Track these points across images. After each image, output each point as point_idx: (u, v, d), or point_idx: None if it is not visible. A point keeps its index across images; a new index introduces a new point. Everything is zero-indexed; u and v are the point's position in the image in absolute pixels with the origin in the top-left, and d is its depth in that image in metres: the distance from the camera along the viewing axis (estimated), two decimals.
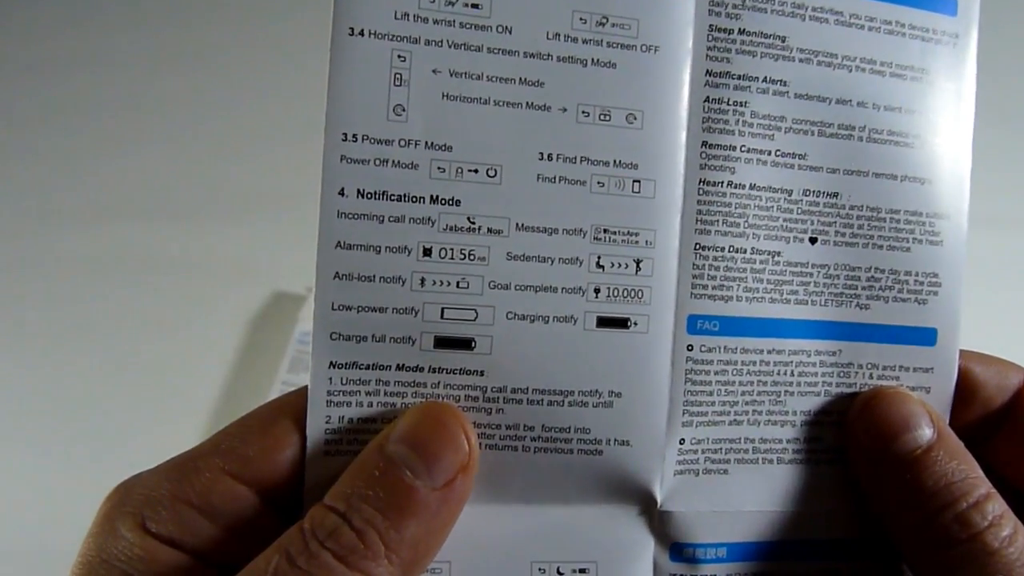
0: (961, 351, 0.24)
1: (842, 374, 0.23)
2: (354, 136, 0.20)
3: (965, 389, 0.24)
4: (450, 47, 0.20)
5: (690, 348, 0.22)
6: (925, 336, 0.23)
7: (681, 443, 0.22)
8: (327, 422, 0.20)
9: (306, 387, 0.20)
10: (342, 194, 0.20)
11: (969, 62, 0.23)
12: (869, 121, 0.23)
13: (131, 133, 0.69)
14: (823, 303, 0.23)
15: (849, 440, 0.23)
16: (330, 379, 0.20)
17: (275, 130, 0.67)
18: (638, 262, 0.21)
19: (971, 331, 0.25)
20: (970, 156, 0.23)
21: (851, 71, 0.22)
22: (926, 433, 0.21)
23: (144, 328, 0.63)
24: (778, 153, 0.22)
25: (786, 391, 0.22)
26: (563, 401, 0.21)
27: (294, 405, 0.20)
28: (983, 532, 0.20)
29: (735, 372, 0.22)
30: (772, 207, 0.22)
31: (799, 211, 0.22)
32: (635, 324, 0.21)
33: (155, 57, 0.71)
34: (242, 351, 0.63)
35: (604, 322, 0.21)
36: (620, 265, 0.21)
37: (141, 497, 0.19)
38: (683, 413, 0.22)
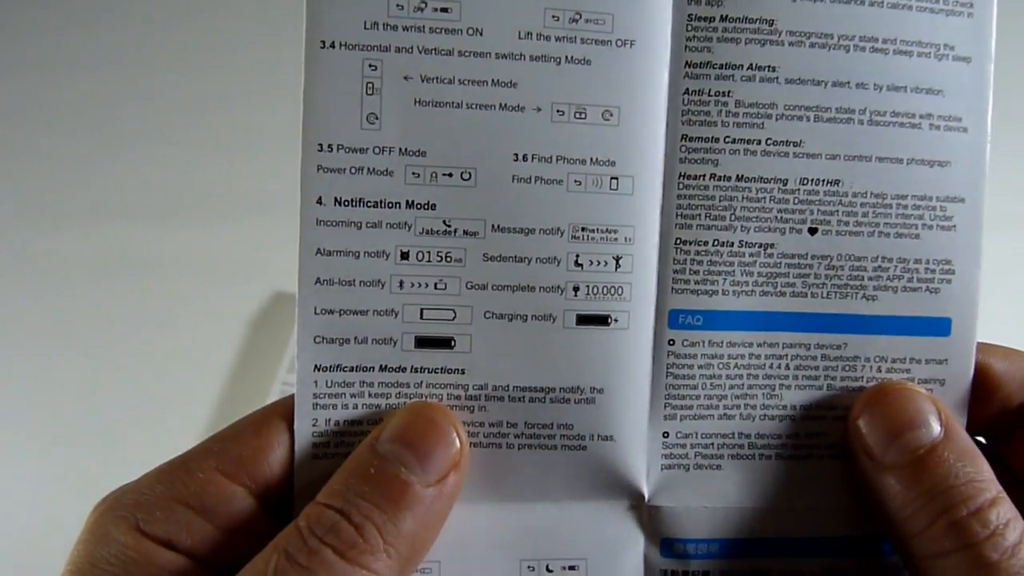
0: (979, 345, 0.23)
1: (847, 368, 0.23)
2: (329, 146, 0.21)
3: (983, 385, 0.23)
4: (421, 53, 0.21)
5: (672, 343, 0.22)
6: (938, 326, 0.23)
7: (665, 436, 0.23)
8: (314, 425, 0.21)
9: None
10: (320, 202, 0.21)
11: (986, 30, 0.22)
12: (870, 103, 0.22)
13: (131, 133, 0.70)
14: (825, 295, 0.23)
15: (851, 436, 0.22)
16: (315, 382, 0.21)
17: (275, 130, 0.67)
18: (617, 259, 0.22)
19: (986, 328, 0.24)
20: (988, 133, 0.23)
21: (848, 51, 0.22)
22: (933, 431, 0.21)
23: (144, 328, 0.64)
24: (769, 142, 0.22)
25: (781, 384, 0.23)
26: (544, 398, 0.22)
27: (286, 406, 0.22)
28: (982, 542, 0.19)
29: (721, 366, 0.23)
30: (764, 198, 0.22)
31: (796, 201, 0.22)
32: (615, 321, 0.22)
33: (155, 57, 0.73)
34: (242, 351, 0.64)
35: (584, 320, 0.22)
36: (599, 263, 0.22)
37: (133, 501, 0.19)
38: (664, 407, 0.23)
